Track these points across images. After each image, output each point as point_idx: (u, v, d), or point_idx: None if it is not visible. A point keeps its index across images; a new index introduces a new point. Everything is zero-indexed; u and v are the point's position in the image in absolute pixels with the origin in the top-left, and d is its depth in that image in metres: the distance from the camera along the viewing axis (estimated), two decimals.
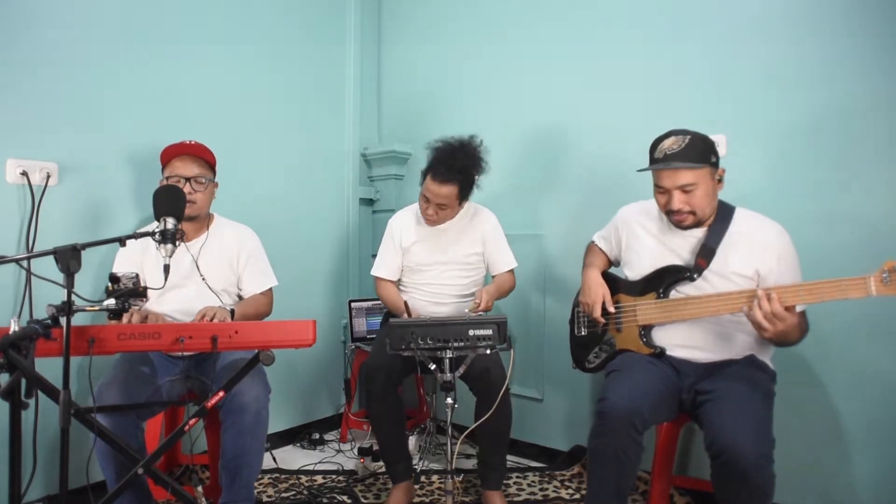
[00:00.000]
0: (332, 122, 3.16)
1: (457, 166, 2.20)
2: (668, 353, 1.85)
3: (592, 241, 2.15)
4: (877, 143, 1.96)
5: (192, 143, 2.08)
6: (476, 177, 2.27)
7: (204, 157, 2.07)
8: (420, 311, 2.32)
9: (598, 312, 1.93)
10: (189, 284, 2.04)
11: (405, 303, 2.25)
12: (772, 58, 2.14)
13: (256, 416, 1.81)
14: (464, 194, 2.27)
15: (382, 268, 2.43)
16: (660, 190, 1.77)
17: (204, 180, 2.05)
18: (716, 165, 1.74)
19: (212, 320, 1.82)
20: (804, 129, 2.08)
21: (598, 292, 1.95)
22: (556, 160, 2.70)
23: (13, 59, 2.03)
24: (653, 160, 1.76)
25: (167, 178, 2.02)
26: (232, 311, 1.98)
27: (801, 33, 2.09)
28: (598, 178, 2.56)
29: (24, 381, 1.25)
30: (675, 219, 1.77)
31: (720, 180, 1.77)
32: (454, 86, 3.05)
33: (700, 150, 1.70)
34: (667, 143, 1.73)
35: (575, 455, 2.57)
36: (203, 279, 2.05)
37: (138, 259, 2.02)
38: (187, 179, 2.01)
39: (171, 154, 2.04)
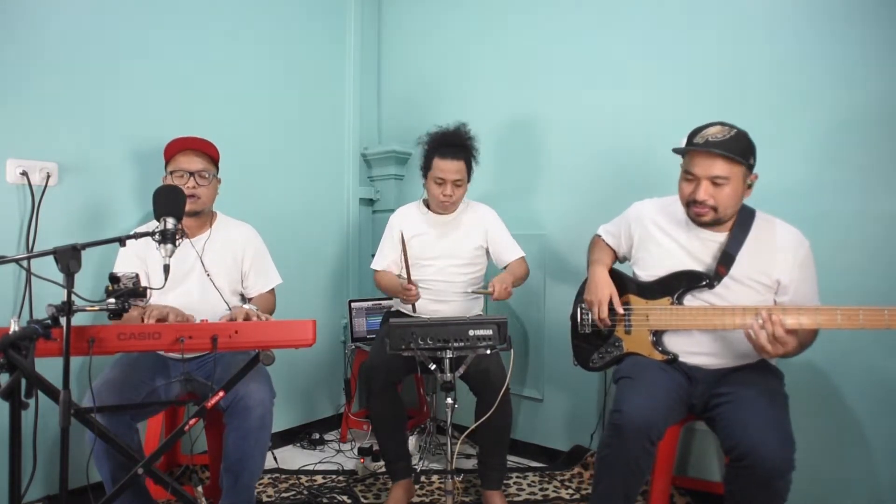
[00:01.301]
0: (332, 122, 3.16)
1: (458, 143, 2.30)
2: (680, 359, 1.80)
3: (598, 235, 2.07)
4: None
5: (196, 137, 2.08)
6: (474, 156, 2.36)
7: (208, 151, 2.08)
8: (421, 308, 2.32)
9: (604, 313, 1.86)
10: (192, 281, 2.04)
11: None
12: (780, 53, 2.12)
13: (261, 420, 1.81)
14: (469, 172, 2.35)
15: (382, 261, 2.43)
16: (688, 177, 1.71)
17: (208, 175, 2.05)
18: (751, 169, 1.69)
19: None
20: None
21: (605, 291, 1.86)
22: (557, 159, 2.70)
23: (13, 58, 2.02)
24: (691, 146, 1.69)
25: (171, 173, 2.02)
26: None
27: (805, 28, 2.08)
28: (600, 177, 2.56)
29: (24, 381, 1.25)
30: (696, 211, 1.71)
31: (750, 186, 1.71)
32: (454, 85, 3.05)
33: (742, 147, 1.65)
34: (711, 130, 1.67)
35: (575, 455, 2.57)
36: (207, 275, 2.04)
37: (142, 254, 2.01)
38: (191, 174, 2.01)
39: (175, 149, 2.05)
